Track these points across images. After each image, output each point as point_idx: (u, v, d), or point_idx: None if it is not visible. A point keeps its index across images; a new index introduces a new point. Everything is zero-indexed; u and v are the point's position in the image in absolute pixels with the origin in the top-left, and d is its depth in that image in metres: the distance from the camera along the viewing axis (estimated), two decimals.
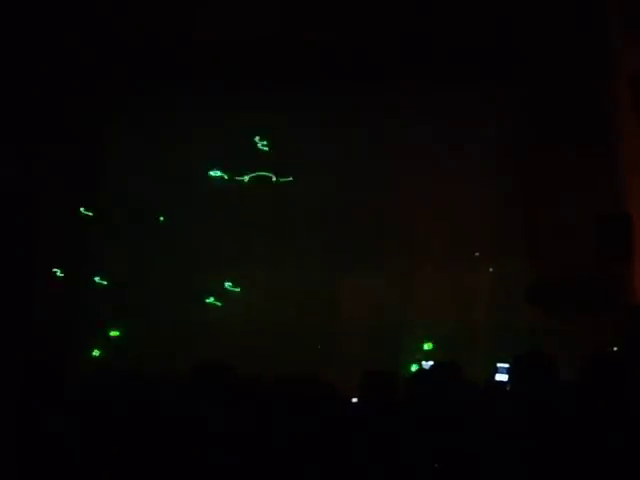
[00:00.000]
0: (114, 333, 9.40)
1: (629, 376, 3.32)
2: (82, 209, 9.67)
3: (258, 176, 9.79)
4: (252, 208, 9.68)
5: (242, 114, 9.61)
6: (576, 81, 8.71)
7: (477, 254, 9.28)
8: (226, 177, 9.79)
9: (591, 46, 8.62)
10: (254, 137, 9.74)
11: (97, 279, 9.62)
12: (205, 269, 9.57)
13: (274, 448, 3.39)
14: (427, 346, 8.82)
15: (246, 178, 9.80)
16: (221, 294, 9.53)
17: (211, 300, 9.48)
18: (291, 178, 9.72)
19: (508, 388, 4.12)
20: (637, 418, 3.11)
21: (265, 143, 9.77)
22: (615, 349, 5.24)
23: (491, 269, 9.25)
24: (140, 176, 9.65)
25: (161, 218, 9.74)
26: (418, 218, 9.43)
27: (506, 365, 4.32)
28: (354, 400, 4.27)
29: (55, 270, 9.38)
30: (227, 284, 9.55)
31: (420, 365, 8.06)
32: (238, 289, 9.57)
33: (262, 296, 9.45)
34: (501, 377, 4.43)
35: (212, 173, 9.81)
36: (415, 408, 3.52)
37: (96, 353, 9.33)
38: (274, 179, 9.77)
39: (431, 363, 3.67)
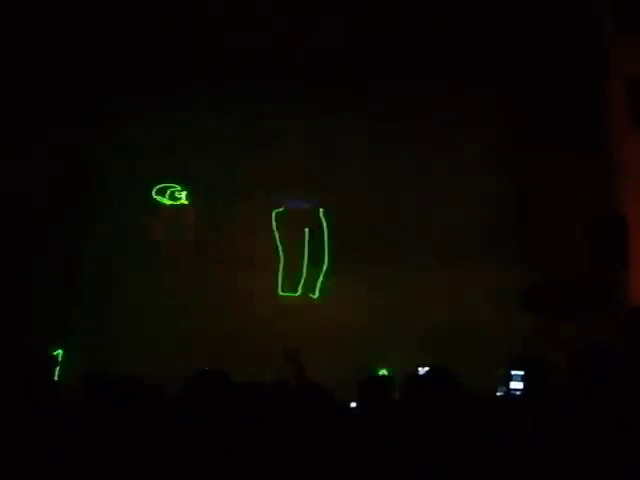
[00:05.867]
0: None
1: (629, 378, 3.33)
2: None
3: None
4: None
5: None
6: (573, 85, 8.76)
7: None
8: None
9: (587, 50, 8.68)
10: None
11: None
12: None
13: (272, 451, 3.43)
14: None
15: None
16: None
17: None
18: None
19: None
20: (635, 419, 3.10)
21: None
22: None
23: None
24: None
25: None
26: (415, 220, 9.48)
27: (521, 372, 4.25)
28: (353, 405, 4.32)
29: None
30: None
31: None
32: None
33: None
34: (516, 385, 4.33)
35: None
36: (411, 413, 3.56)
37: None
38: None
39: (426, 369, 3.71)
